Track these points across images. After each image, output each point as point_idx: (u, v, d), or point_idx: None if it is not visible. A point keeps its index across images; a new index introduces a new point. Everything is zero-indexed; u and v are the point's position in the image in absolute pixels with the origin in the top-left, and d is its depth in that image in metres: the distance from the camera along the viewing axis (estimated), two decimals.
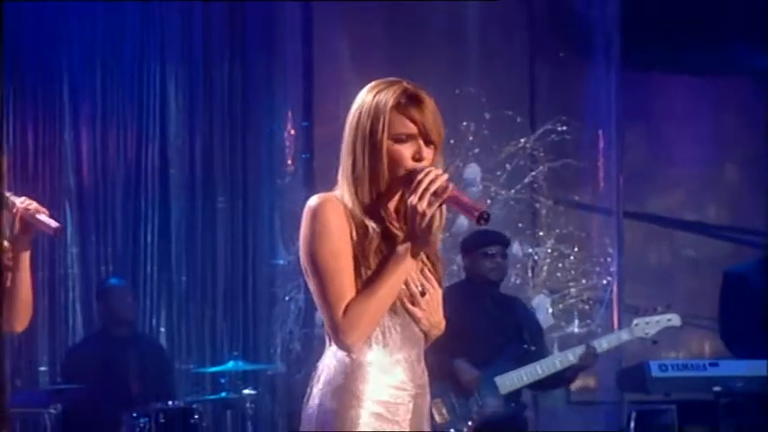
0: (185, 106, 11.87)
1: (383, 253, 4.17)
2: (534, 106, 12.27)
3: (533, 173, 11.85)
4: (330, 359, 4.23)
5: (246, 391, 10.10)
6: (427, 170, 3.93)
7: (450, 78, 11.77)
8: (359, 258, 4.13)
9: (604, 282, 11.91)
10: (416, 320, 4.18)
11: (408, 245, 4.09)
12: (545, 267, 11.99)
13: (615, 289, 12.00)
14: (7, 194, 5.55)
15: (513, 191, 11.75)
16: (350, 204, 4.11)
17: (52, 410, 9.42)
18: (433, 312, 4.22)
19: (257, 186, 11.84)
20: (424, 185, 3.95)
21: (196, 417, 9.86)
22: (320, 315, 4.24)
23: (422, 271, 4.16)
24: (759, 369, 9.50)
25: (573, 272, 12.02)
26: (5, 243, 5.31)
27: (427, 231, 4.01)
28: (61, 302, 10.46)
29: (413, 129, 3.96)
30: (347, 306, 4.09)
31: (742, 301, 10.19)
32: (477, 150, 11.56)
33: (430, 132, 3.97)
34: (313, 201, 4.14)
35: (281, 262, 11.74)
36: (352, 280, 4.12)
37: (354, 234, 4.12)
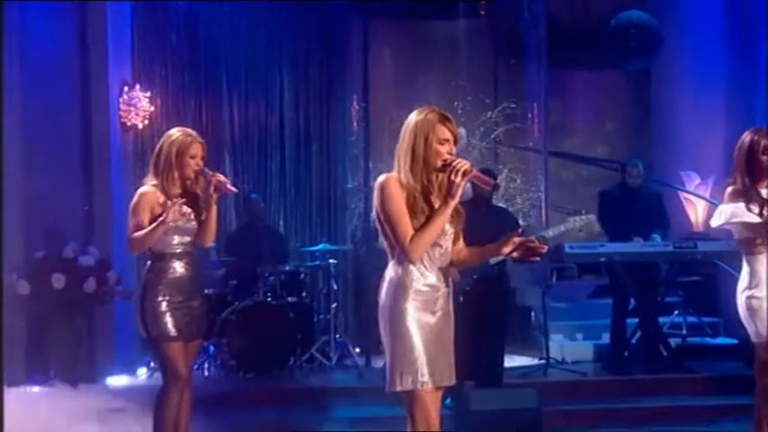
0: (295, 91, 15.14)
1: (423, 210, 5.69)
2: (497, 93, 15.62)
3: (495, 132, 15.29)
4: (390, 270, 5.81)
5: (331, 261, 13.14)
6: (459, 160, 5.67)
7: (447, 76, 15.38)
8: (409, 213, 5.66)
9: (537, 195, 15.05)
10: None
11: (446, 205, 5.66)
12: (503, 187, 14.73)
13: (544, 198, 14.81)
14: (206, 170, 7.75)
15: (484, 143, 15.18)
16: (404, 180, 5.66)
17: (219, 273, 12.55)
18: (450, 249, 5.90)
19: (336, 140, 15.18)
20: (458, 168, 5.60)
21: (301, 276, 13.10)
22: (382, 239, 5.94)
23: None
24: (626, 247, 12.31)
25: (519, 189, 15.15)
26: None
27: (457, 196, 5.66)
28: (223, 209, 12.94)
29: (449, 135, 5.67)
30: (411, 238, 5.60)
31: (610, 208, 12.66)
32: (463, 120, 14.65)
33: (456, 137, 5.73)
34: (381, 178, 5.74)
35: (349, 185, 15.17)
36: (410, 224, 5.63)
37: (406, 198, 5.67)
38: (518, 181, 14.90)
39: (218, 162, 13.85)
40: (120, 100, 13.14)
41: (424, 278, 5.70)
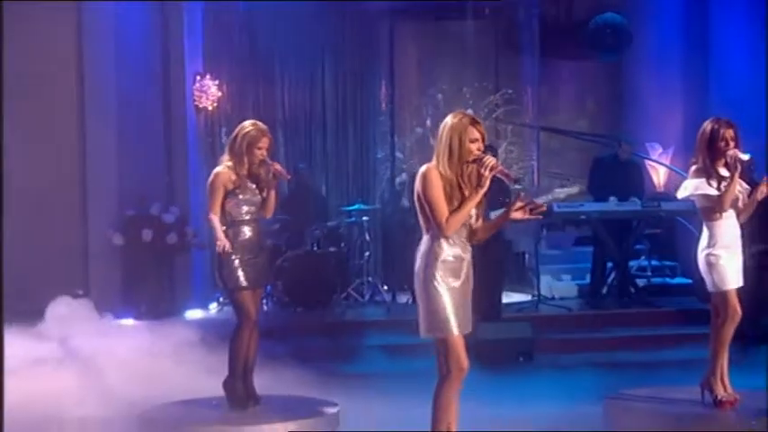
0: (334, 78, 14.90)
1: (456, 197, 5.64)
2: (497, 79, 15.28)
3: (496, 112, 15.09)
4: (424, 243, 5.77)
5: (364, 218, 13.08)
6: (488, 157, 5.62)
7: (457, 66, 15.19)
8: (445, 198, 5.61)
9: (530, 163, 15.10)
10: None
11: (476, 193, 5.61)
12: (503, 156, 14.56)
13: (536, 165, 14.98)
14: (268, 160, 7.61)
15: (487, 121, 14.49)
16: (443, 171, 5.61)
17: (275, 228, 12.10)
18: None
19: (368, 119, 14.98)
20: (486, 164, 5.56)
21: (340, 230, 13.26)
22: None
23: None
24: (602, 206, 12.25)
25: (515, 158, 15.03)
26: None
27: (485, 187, 5.59)
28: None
29: (478, 135, 5.59)
30: (447, 219, 5.58)
31: (600, 172, 12.71)
32: (471, 102, 14.89)
33: (483, 137, 5.64)
34: (424, 168, 5.69)
35: (379, 156, 15.08)
36: (446, 207, 5.59)
37: (443, 186, 5.62)
38: (514, 152, 14.84)
39: (289, 151, 14.27)
40: (194, 87, 13.17)
41: (452, 250, 5.67)
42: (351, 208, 13.31)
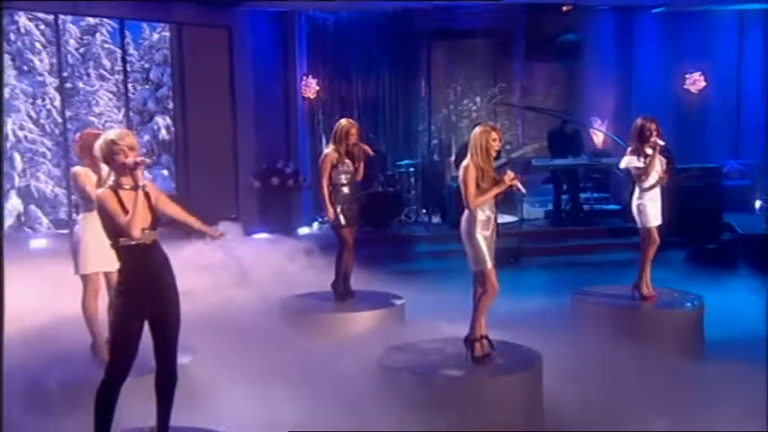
0: (390, 76, 13.94)
1: (482, 184, 5.45)
2: (495, 77, 14.43)
3: (495, 98, 14.37)
4: (466, 212, 5.57)
5: (410, 169, 12.76)
6: (510, 174, 5.47)
7: (470, 68, 14.40)
8: (476, 185, 5.44)
9: (516, 129, 14.37)
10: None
11: (495, 190, 5.48)
12: (499, 125, 11.85)
13: (520, 130, 14.33)
14: (359, 143, 7.41)
15: (488, 104, 14.33)
16: (476, 163, 5.45)
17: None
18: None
19: (413, 103, 14.23)
20: (508, 176, 5.48)
21: (395, 176, 12.55)
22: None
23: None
24: (563, 161, 11.96)
25: (506, 127, 14.09)
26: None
27: (502, 189, 5.51)
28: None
29: (496, 136, 5.49)
30: (473, 199, 5.42)
31: (555, 140, 12.41)
32: (479, 92, 14.31)
33: (500, 139, 5.53)
34: (466, 162, 5.47)
35: (420, 128, 14.17)
36: (475, 190, 5.42)
37: (476, 176, 5.45)
38: (507, 123, 14.34)
39: (361, 124, 12.56)
40: (301, 84, 13.02)
41: (484, 214, 5.59)
42: (401, 162, 12.95)
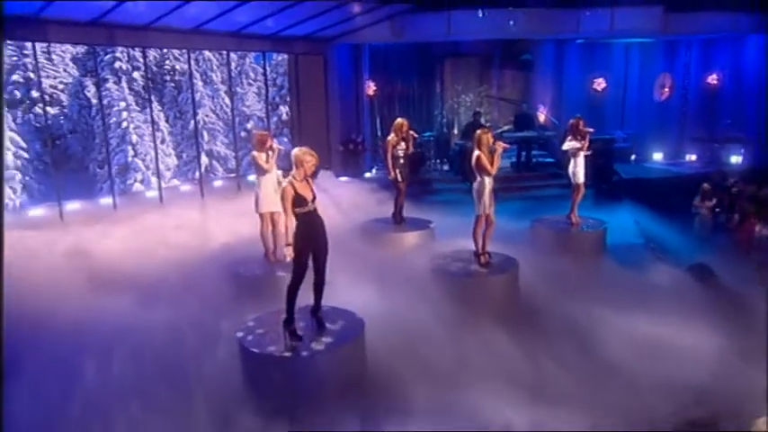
0: (419, 84, 13.39)
1: (488, 159, 5.44)
2: (481, 80, 13.69)
3: (481, 94, 13.74)
4: (478, 178, 5.58)
5: (431, 138, 12.47)
6: (499, 143, 5.48)
7: (467, 76, 13.68)
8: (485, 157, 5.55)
9: (494, 114, 13.70)
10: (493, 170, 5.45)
11: (497, 159, 5.51)
12: (488, 116, 13.65)
13: (497, 115, 13.25)
14: (410, 132, 6.94)
15: (477, 98, 13.78)
16: (483, 151, 5.47)
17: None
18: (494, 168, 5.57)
19: (431, 99, 13.59)
20: (497, 149, 5.48)
21: (422, 143, 12.18)
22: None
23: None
24: (522, 133, 11.72)
25: (487, 111, 13.48)
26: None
27: (498, 157, 5.53)
28: None
29: (490, 134, 5.49)
30: (490, 168, 5.39)
31: (518, 122, 12.12)
32: (471, 89, 13.73)
33: (493, 136, 5.50)
34: (476, 152, 5.38)
35: (435, 113, 13.68)
36: (489, 164, 5.42)
37: (484, 157, 5.51)
38: (489, 110, 13.91)
39: (399, 110, 12.90)
40: (366, 86, 12.76)
41: (488, 179, 5.61)
42: (425, 134, 12.84)
